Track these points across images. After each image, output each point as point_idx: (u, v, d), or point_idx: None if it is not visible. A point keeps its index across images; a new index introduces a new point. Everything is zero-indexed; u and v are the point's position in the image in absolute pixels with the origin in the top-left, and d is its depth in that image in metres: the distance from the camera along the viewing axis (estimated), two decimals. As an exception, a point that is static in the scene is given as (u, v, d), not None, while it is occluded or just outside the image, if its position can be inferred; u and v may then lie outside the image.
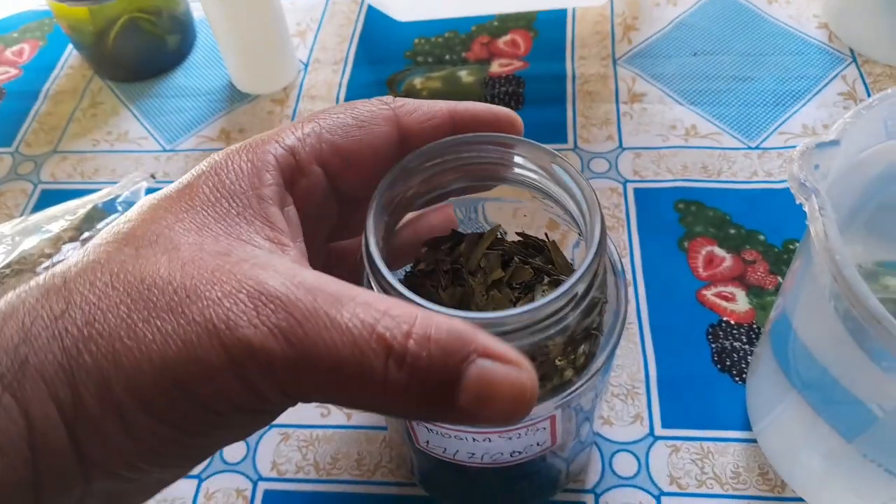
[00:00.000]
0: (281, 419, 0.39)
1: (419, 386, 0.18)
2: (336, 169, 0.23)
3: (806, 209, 0.26)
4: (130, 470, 0.19)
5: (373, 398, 0.19)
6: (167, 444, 0.19)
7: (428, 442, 0.27)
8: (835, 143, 0.28)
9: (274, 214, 0.21)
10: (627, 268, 0.43)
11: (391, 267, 0.22)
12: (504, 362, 0.19)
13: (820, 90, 0.50)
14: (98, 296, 0.19)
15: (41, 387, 0.18)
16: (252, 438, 0.38)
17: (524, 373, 0.19)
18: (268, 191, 0.21)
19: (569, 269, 0.28)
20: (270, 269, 0.19)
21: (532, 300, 0.26)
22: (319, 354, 0.18)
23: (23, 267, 0.39)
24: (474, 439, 0.25)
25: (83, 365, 0.18)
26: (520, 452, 0.27)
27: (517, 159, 0.25)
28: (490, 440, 0.25)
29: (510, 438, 0.25)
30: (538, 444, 0.27)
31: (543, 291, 0.27)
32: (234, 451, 0.38)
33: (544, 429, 0.26)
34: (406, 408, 0.19)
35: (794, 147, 0.47)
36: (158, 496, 0.36)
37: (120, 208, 0.45)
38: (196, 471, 0.37)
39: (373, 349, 0.18)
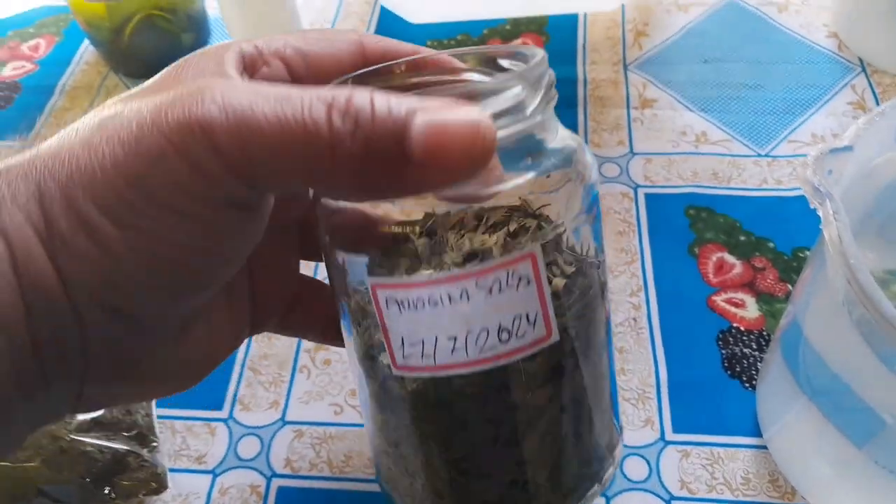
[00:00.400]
0: (294, 416, 0.39)
1: (365, 140, 0.18)
2: (298, 70, 0.24)
3: (820, 214, 0.27)
4: (115, 295, 0.19)
5: (321, 159, 0.18)
6: (139, 256, 0.19)
7: (403, 344, 0.24)
8: (848, 148, 0.28)
9: (231, 73, 0.22)
10: (638, 272, 0.43)
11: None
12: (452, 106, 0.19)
13: (829, 99, 0.51)
14: (61, 142, 0.20)
15: (17, 214, 0.19)
16: (265, 435, 0.39)
17: (474, 110, 0.19)
18: (228, 56, 0.22)
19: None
20: (217, 77, 0.20)
21: (508, 235, 0.24)
22: (258, 120, 0.18)
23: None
24: (450, 297, 0.23)
25: (49, 188, 0.19)
26: (508, 332, 0.24)
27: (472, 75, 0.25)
28: (468, 296, 0.23)
29: (490, 293, 0.23)
30: (527, 320, 0.24)
31: (521, 223, 0.25)
32: (248, 448, 0.38)
33: (528, 282, 0.23)
34: (357, 169, 0.19)
35: (803, 156, 0.48)
36: (174, 490, 0.37)
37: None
38: (210, 466, 0.38)
39: (315, 107, 0.18)
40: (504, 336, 0.24)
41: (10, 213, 0.19)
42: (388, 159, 0.18)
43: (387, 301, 0.24)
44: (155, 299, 0.21)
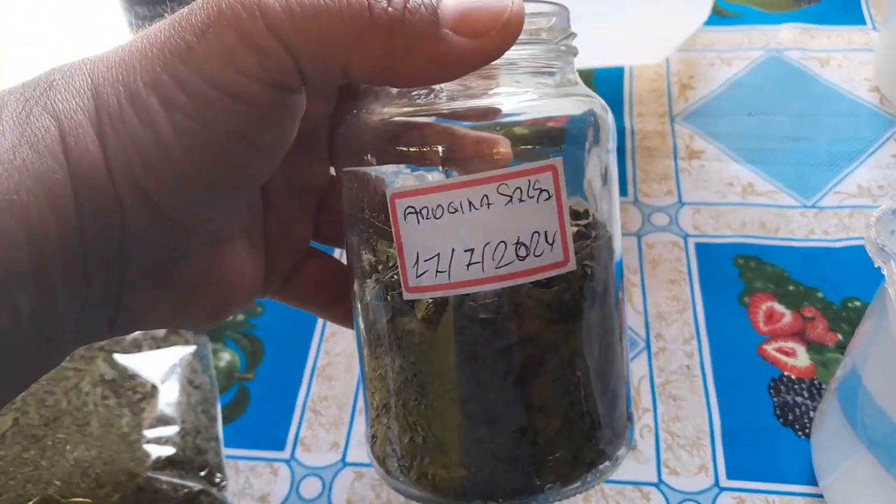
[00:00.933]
0: (354, 458, 0.40)
1: (403, 3, 0.20)
2: None
3: (885, 273, 0.28)
4: (154, 184, 0.20)
5: (360, 21, 0.20)
6: (181, 139, 0.20)
7: (418, 261, 0.24)
8: (909, 210, 0.30)
9: None
10: (690, 320, 0.44)
11: None
12: None
13: (873, 152, 0.52)
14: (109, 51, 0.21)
15: (70, 99, 0.20)
16: (327, 476, 0.40)
17: None
18: None
19: None
20: None
21: None
22: None
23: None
24: (470, 203, 0.23)
25: (102, 72, 0.20)
26: (526, 248, 0.23)
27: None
28: (489, 203, 0.23)
29: (511, 200, 0.23)
30: (546, 240, 0.24)
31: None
32: (309, 488, 0.40)
33: (548, 196, 0.23)
34: (392, 38, 0.20)
35: (850, 207, 0.49)
36: (240, 528, 0.38)
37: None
38: (275, 505, 0.39)
39: None
40: (522, 252, 0.23)
41: (63, 99, 0.20)
42: (422, 29, 0.20)
43: (405, 212, 0.24)
44: (190, 194, 0.21)
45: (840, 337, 0.43)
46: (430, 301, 0.24)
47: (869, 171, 0.51)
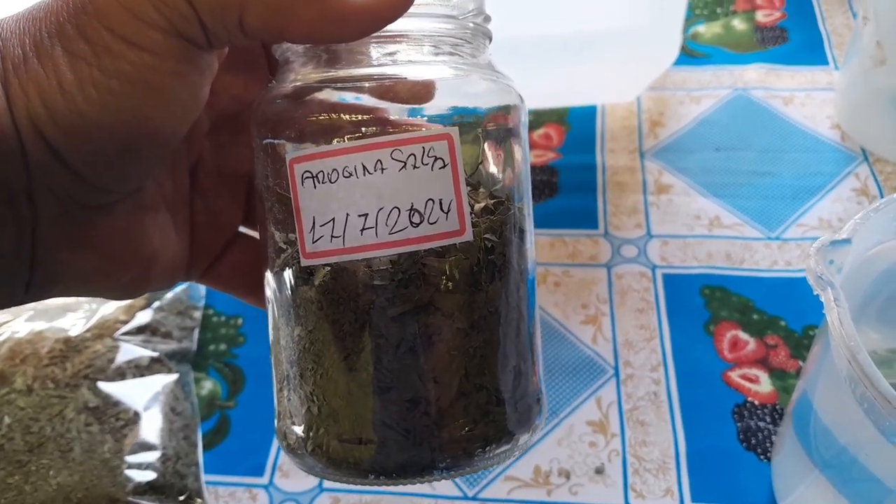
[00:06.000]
0: (331, 483, 0.41)
1: None
2: None
3: (823, 300, 0.30)
4: (56, 131, 0.20)
5: None
6: (84, 87, 0.20)
7: (314, 226, 0.24)
8: (847, 241, 0.31)
9: None
10: (657, 348, 0.46)
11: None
12: None
13: (834, 186, 0.54)
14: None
15: None
16: (304, 501, 0.41)
17: None
18: None
19: None
20: None
21: None
22: None
23: (102, 332, 0.43)
24: (364, 167, 0.23)
25: (9, 26, 0.21)
26: (420, 215, 0.23)
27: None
28: (382, 168, 0.23)
29: (404, 166, 0.23)
30: (441, 207, 0.23)
31: None
32: (287, 512, 0.41)
33: (443, 164, 0.23)
34: None
35: (812, 238, 0.51)
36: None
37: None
38: (252, 529, 0.40)
39: None
40: (416, 218, 0.23)
41: None
42: None
43: (302, 177, 0.24)
44: (94, 145, 0.21)
45: (801, 363, 0.45)
46: (328, 268, 0.24)
47: (830, 204, 0.53)
